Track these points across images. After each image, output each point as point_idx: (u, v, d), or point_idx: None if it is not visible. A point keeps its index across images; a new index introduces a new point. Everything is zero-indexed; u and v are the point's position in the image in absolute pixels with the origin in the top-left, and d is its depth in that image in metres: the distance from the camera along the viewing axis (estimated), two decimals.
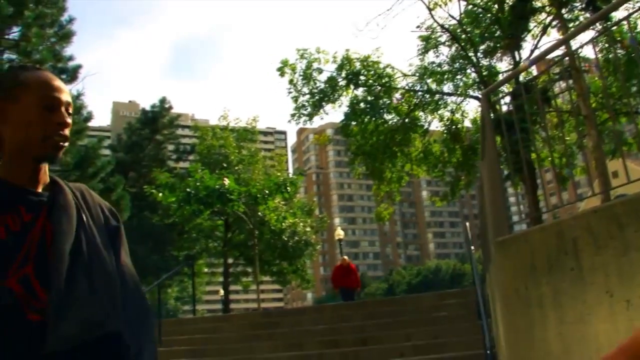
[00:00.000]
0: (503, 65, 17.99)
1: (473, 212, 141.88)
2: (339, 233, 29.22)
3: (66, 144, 1.39)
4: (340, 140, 21.56)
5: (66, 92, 1.41)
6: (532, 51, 16.73)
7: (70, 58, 17.48)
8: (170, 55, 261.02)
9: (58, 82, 1.41)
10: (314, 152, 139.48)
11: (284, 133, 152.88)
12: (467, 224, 10.28)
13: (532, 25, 17.27)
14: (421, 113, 18.94)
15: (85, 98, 20.94)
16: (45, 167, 1.41)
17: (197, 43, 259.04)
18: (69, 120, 1.39)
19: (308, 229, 26.62)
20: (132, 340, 1.39)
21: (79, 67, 17.45)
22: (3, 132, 1.36)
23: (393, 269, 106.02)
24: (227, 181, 16.51)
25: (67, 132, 1.38)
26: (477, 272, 8.03)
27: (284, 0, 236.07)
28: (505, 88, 17.56)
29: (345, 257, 15.33)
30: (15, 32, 16.41)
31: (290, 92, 18.35)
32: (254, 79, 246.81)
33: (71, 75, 17.35)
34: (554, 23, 16.90)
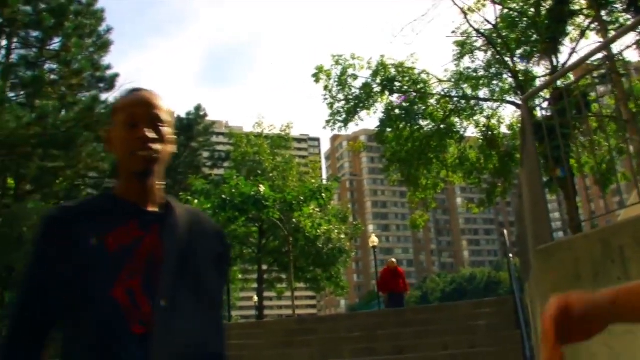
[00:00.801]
0: (540, 69, 17.69)
1: (508, 219, 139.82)
2: (373, 240, 29.04)
3: (155, 155, 1.40)
4: (373, 147, 21.38)
5: (154, 106, 1.44)
6: (570, 55, 16.45)
7: (108, 67, 17.93)
8: (203, 63, 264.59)
9: (145, 99, 1.45)
10: (347, 159, 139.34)
11: (317, 140, 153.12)
12: (505, 231, 10.10)
13: (570, 28, 16.94)
14: (457, 119, 18.72)
15: None
16: (155, 185, 1.44)
17: (231, 50, 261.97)
18: (154, 133, 1.41)
19: (342, 235, 26.53)
20: None
21: (116, 75, 17.89)
22: (115, 156, 1.45)
23: (427, 277, 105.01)
24: (262, 188, 16.55)
25: (154, 145, 1.40)
26: (516, 280, 7.87)
27: (318, 8, 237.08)
28: (542, 93, 17.32)
29: (393, 260, 14.65)
30: (56, 43, 16.88)
31: (325, 99, 18.36)
32: (287, 85, 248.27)
33: (109, 83, 17.77)
34: (593, 25, 16.55)
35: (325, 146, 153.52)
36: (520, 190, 8.34)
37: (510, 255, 8.81)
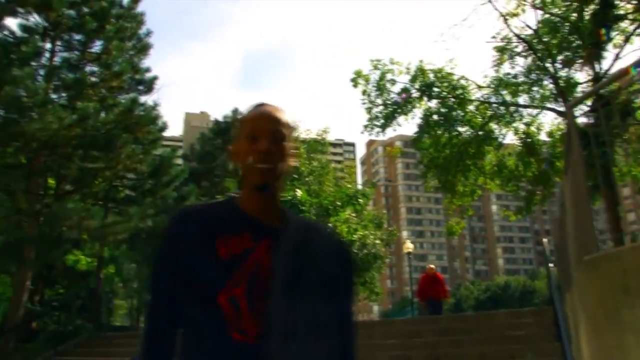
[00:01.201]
0: (582, 76, 17.29)
1: (545, 227, 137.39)
2: (409, 246, 28.84)
3: (273, 170, 1.44)
4: (409, 153, 21.23)
5: (273, 120, 1.49)
6: (614, 61, 16.02)
7: (147, 70, 18.20)
8: (240, 67, 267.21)
9: (267, 113, 1.50)
10: (382, 165, 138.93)
11: (352, 145, 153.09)
12: (545, 240, 9.87)
13: (613, 33, 16.48)
14: (495, 125, 18.43)
15: (160, 109, 21.65)
16: (273, 199, 1.49)
17: (267, 54, 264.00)
18: (272, 146, 1.44)
19: (378, 241, 26.38)
20: None
21: (155, 78, 18.14)
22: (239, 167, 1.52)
23: (461, 284, 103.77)
24: (299, 192, 16.53)
25: (272, 159, 1.43)
26: (556, 290, 7.66)
27: (354, 14, 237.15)
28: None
29: (432, 267, 14.52)
30: (97, 46, 17.20)
31: (364, 103, 18.26)
32: (323, 90, 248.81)
33: (148, 86, 18.03)
34: (638, 31, 16.09)
35: (361, 151, 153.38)
36: (562, 199, 8.15)
37: (550, 264, 8.58)
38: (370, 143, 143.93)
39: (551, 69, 17.01)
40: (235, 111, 32.01)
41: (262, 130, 1.45)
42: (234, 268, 1.37)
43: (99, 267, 20.50)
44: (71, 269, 21.47)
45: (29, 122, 14.19)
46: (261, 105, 1.54)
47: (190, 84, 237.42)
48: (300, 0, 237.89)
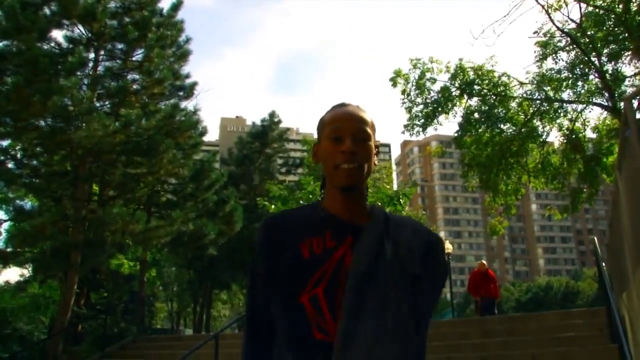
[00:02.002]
0: (629, 69, 16.85)
1: (587, 226, 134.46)
2: (448, 247, 28.46)
3: (358, 170, 1.43)
4: (445, 152, 20.91)
5: (356, 119, 1.47)
6: None
7: (188, 76, 18.49)
8: (274, 71, 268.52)
9: (348, 113, 1.49)
10: (418, 165, 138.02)
11: (387, 146, 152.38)
12: (595, 238, 9.62)
13: None
14: (538, 122, 18.08)
15: (201, 114, 21.89)
16: (359, 199, 1.48)
17: (300, 58, 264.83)
18: (357, 147, 1.43)
19: None
20: None
21: (195, 84, 18.42)
22: (322, 169, 1.51)
23: (501, 285, 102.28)
24: None
25: (357, 159, 1.42)
26: (611, 291, 7.45)
27: (389, 14, 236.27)
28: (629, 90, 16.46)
29: (484, 262, 13.83)
30: (139, 54, 17.53)
31: (404, 103, 18.09)
32: (356, 91, 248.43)
33: (188, 92, 18.31)
34: None
35: (395, 152, 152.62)
36: (616, 196, 7.92)
37: (604, 264, 8.36)
38: (405, 144, 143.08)
39: (597, 63, 16.60)
40: (272, 114, 32.23)
41: (346, 130, 1.44)
42: (316, 268, 1.37)
43: (142, 270, 20.84)
44: (115, 273, 21.92)
45: (75, 130, 14.53)
46: (343, 105, 1.53)
47: (224, 89, 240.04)
48: (332, 2, 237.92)
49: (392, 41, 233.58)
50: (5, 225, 18.50)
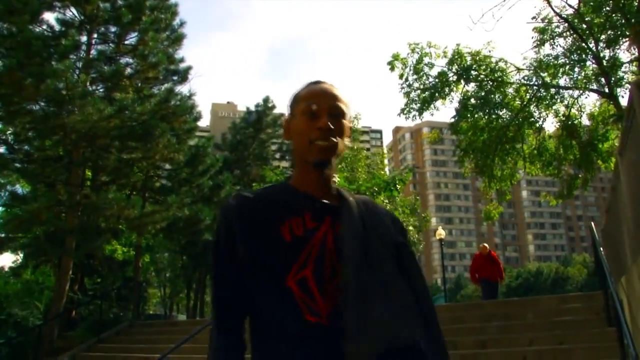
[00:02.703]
0: (626, 56, 16.82)
1: (577, 213, 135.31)
2: (440, 233, 28.61)
3: (333, 146, 1.42)
4: (441, 138, 20.95)
5: (333, 96, 1.46)
6: None
7: (182, 60, 18.29)
8: (265, 57, 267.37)
9: (324, 90, 1.47)
10: (410, 151, 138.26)
11: (379, 132, 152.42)
12: (593, 224, 9.65)
13: None
14: (535, 108, 18.10)
15: (195, 98, 21.72)
16: (329, 177, 1.46)
17: (291, 44, 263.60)
18: (332, 123, 1.41)
19: (411, 227, 26.27)
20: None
21: (189, 68, 18.26)
22: (292, 145, 1.49)
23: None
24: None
25: (332, 135, 1.41)
26: (609, 276, 7.48)
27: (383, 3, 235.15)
28: (626, 77, 16.51)
29: (486, 245, 13.57)
30: (132, 38, 17.32)
31: (402, 88, 18.05)
32: (348, 77, 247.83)
33: (182, 76, 18.14)
34: None
35: (387, 138, 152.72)
36: (615, 182, 7.94)
37: (601, 249, 8.39)
38: (396, 130, 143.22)
39: (594, 49, 16.61)
40: (266, 100, 32.11)
41: (322, 107, 1.42)
42: (299, 250, 1.34)
43: (137, 256, 20.78)
44: (109, 259, 21.84)
45: (68, 115, 14.37)
46: (318, 82, 1.51)
47: (215, 75, 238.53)
48: None
49: (388, 28, 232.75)
50: None
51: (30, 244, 15.82)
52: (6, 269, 22.93)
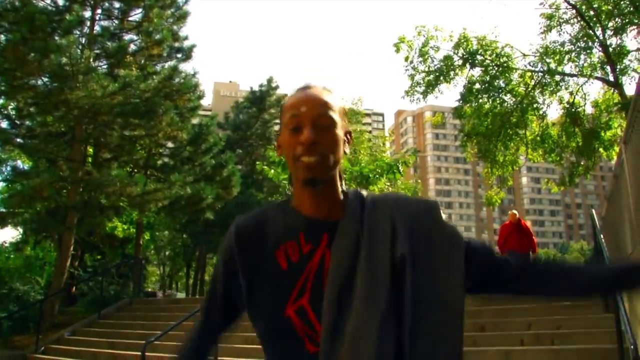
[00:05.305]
0: (632, 44, 16.78)
1: (576, 200, 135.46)
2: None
3: (320, 162, 1.24)
4: (445, 122, 20.78)
5: (318, 104, 1.27)
6: None
7: (186, 38, 18.18)
8: (268, 36, 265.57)
9: (309, 97, 1.29)
10: (411, 135, 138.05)
11: (382, 115, 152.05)
12: (594, 211, 9.67)
13: None
14: (539, 95, 18.06)
15: (199, 76, 21.63)
16: (329, 192, 1.30)
17: (295, 21, 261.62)
18: (317, 135, 1.24)
19: None
20: None
21: (193, 46, 18.14)
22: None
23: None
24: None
25: (318, 148, 1.23)
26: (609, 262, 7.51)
27: None
28: (633, 65, 16.44)
29: (515, 212, 11.67)
30: (137, 14, 17.21)
31: (407, 70, 18.02)
32: (352, 57, 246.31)
33: (187, 54, 18.03)
34: None
35: (389, 121, 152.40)
36: (618, 170, 7.95)
37: (602, 236, 8.42)
38: (398, 113, 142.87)
39: (600, 37, 16.51)
40: (270, 80, 31.97)
41: (305, 118, 1.24)
42: (296, 278, 1.25)
43: (139, 233, 20.84)
44: (110, 235, 21.92)
45: (72, 91, 14.32)
46: (305, 87, 1.32)
47: (217, 53, 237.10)
48: None
49: (395, 8, 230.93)
50: None
51: (32, 219, 15.85)
52: (7, 245, 23.00)
